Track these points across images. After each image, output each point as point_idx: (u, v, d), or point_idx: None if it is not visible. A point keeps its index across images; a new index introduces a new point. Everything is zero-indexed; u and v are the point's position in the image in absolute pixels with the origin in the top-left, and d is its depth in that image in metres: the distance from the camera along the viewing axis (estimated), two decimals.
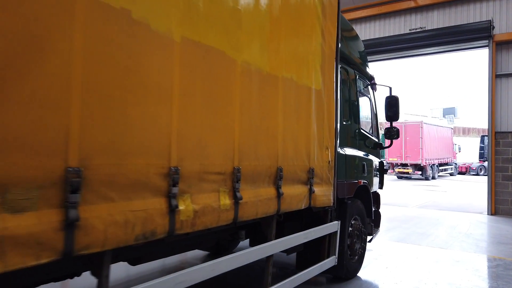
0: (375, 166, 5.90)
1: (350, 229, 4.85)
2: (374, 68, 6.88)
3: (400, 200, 14.52)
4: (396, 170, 26.91)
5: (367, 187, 5.34)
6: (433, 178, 26.90)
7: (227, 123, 2.64)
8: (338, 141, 4.36)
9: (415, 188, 20.32)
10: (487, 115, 11.57)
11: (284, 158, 3.29)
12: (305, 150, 3.65)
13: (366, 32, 13.89)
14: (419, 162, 25.57)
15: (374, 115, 6.15)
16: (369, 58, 6.40)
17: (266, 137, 3.07)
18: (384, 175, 6.38)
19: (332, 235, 4.42)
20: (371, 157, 5.65)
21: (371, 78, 6.01)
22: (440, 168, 28.57)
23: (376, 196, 6.10)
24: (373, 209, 5.95)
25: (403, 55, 13.35)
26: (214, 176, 2.51)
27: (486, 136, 13.73)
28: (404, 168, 26.37)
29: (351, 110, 5.10)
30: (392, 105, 5.78)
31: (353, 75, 5.25)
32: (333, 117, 4.23)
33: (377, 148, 6.05)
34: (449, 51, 12.86)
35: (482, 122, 36.73)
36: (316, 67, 3.85)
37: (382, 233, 8.09)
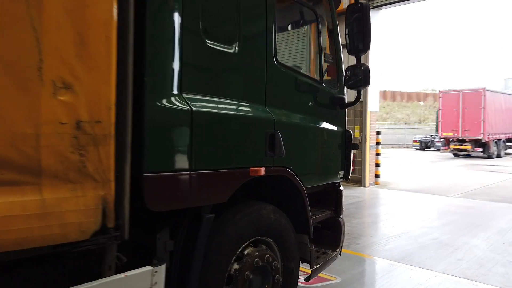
0: (327, 139, 3.22)
1: (235, 267, 2.34)
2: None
3: (442, 186, 11.26)
4: (452, 146, 22.80)
5: (294, 178, 2.73)
6: (498, 156, 22.43)
7: None
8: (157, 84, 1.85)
9: (470, 168, 16.52)
10: None
11: None
12: None
13: None
14: (479, 137, 21.29)
15: (334, 51, 3.38)
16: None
17: None
18: (352, 153, 3.62)
19: None
20: (310, 122, 2.98)
21: None
22: (508, 144, 23.85)
23: (335, 192, 3.44)
24: (334, 216, 3.36)
25: None
26: None
27: None
28: (461, 144, 22.22)
29: (256, 31, 2.50)
30: (359, 21, 3.00)
31: None
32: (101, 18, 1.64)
33: (336, 107, 3.33)
34: None
35: None
36: None
37: (382, 243, 5.33)
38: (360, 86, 3.09)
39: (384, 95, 50.83)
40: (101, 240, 1.61)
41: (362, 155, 10.94)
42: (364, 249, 5.06)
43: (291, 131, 2.74)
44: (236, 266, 2.36)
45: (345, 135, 3.46)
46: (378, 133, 11.35)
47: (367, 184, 10.89)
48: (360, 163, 11.00)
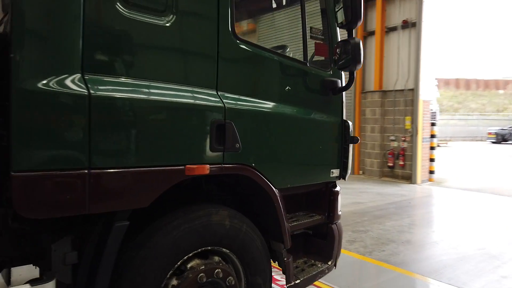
0: (312, 131, 2.71)
1: (173, 283, 1.98)
2: None
3: (507, 181, 9.86)
4: None
5: (259, 177, 2.28)
6: None
7: None
8: None
9: None
10: None
11: None
12: None
13: None
14: None
15: (326, 24, 2.81)
16: None
17: None
18: (350, 149, 3.02)
19: None
20: (284, 110, 2.49)
21: None
22: None
23: (328, 193, 2.91)
24: (326, 223, 2.86)
25: None
26: None
27: None
28: None
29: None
30: None
31: None
32: None
33: (328, 92, 2.78)
34: None
35: None
36: None
37: (412, 251, 4.63)
38: (349, 66, 2.52)
39: (456, 83, 46.85)
40: None
41: (413, 148, 9.92)
42: (389, 257, 4.40)
43: (254, 121, 2.28)
44: (174, 282, 1.99)
45: (342, 127, 2.90)
46: (433, 124, 10.24)
47: (418, 181, 9.86)
48: (411, 158, 9.99)
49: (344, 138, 2.91)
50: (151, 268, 1.88)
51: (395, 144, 10.50)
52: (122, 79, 1.75)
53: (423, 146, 9.96)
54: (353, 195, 8.26)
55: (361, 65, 2.53)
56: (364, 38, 11.19)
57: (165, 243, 1.92)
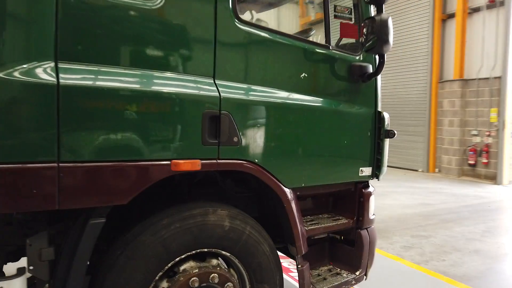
0: (336, 123, 2.39)
1: (163, 285, 1.87)
2: None
3: None
4: None
5: (264, 175, 2.06)
6: None
7: None
8: None
9: None
10: None
11: None
12: None
13: None
14: None
15: (356, 3, 2.45)
16: None
17: None
18: (385, 146, 2.61)
19: None
20: (300, 100, 2.21)
21: None
22: None
23: (358, 195, 2.56)
24: (355, 227, 2.57)
25: None
26: None
27: None
28: None
29: None
30: None
31: None
32: None
33: (357, 79, 2.43)
34: None
35: None
36: None
37: (478, 264, 4.00)
38: (374, 48, 2.16)
39: None
40: None
41: (499, 144, 8.73)
42: (448, 268, 3.85)
43: (259, 112, 2.05)
44: (165, 284, 1.87)
45: (375, 119, 2.53)
46: None
47: (504, 181, 8.67)
48: (496, 155, 8.81)
49: (378, 132, 2.54)
50: (136, 268, 1.77)
51: (477, 139, 9.36)
52: (98, 67, 1.64)
53: (511, 141, 8.71)
54: (422, 195, 7.51)
55: (390, 46, 2.15)
56: (443, 22, 10.12)
57: (153, 243, 1.80)
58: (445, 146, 10.23)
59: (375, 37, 2.14)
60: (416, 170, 10.91)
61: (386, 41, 2.11)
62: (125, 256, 1.76)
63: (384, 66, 2.33)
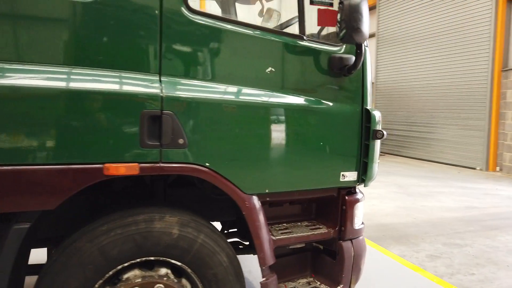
0: (308, 123, 2.14)
1: None
2: None
3: None
4: None
5: (218, 180, 1.90)
6: None
7: None
8: None
9: None
10: None
11: None
12: None
13: None
14: None
15: None
16: None
17: None
18: (377, 146, 2.28)
19: None
20: (263, 97, 2.00)
21: None
22: None
23: (340, 202, 2.29)
24: (337, 238, 2.34)
25: None
26: None
27: None
28: None
29: None
30: None
31: None
32: None
33: (338, 72, 2.15)
34: None
35: None
36: None
37: None
38: (345, 38, 1.87)
39: None
40: None
41: None
42: (475, 285, 3.38)
43: (210, 112, 1.89)
44: None
45: (361, 118, 2.24)
46: None
47: None
48: None
49: (366, 132, 2.24)
50: (72, 275, 1.72)
51: None
52: (22, 66, 1.59)
53: None
54: (471, 197, 6.79)
55: (363, 35, 1.87)
56: (508, 2, 9.01)
57: (89, 250, 1.73)
58: (508, 142, 9.17)
59: (344, 24, 1.86)
60: (474, 168, 9.91)
61: (355, 29, 1.83)
62: (60, 262, 1.71)
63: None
